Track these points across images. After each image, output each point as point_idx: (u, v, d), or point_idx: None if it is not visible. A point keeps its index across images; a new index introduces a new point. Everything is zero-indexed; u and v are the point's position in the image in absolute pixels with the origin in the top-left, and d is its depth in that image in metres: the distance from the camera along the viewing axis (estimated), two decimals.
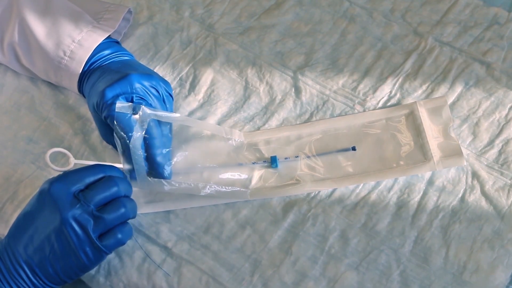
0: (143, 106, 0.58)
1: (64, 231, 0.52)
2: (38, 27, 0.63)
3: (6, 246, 0.54)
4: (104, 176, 0.55)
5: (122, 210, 0.55)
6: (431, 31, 0.69)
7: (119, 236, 0.55)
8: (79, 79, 0.63)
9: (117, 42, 0.66)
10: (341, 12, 0.71)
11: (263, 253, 0.59)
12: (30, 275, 0.53)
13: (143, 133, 0.58)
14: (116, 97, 0.58)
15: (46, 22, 0.63)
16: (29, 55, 0.64)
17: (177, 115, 0.61)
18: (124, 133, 0.57)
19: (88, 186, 0.54)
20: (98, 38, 0.63)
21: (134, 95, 0.58)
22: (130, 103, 0.58)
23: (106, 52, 0.63)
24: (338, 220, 0.60)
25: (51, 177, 0.55)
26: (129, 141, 0.57)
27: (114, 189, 0.55)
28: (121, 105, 0.57)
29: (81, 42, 0.62)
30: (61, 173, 0.55)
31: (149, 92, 0.60)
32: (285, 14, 0.72)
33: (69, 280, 0.55)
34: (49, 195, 0.53)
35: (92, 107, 0.60)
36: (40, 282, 0.53)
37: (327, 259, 0.58)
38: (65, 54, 0.62)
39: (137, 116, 0.58)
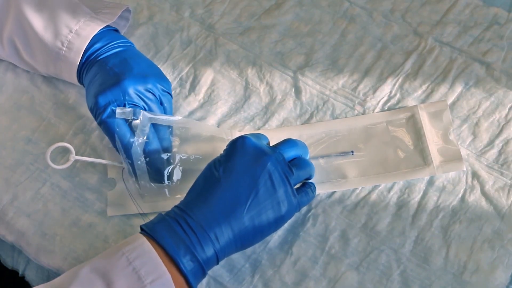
0: (143, 111, 0.58)
1: (272, 177, 0.53)
2: (36, 19, 0.62)
3: (198, 212, 0.51)
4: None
5: (308, 167, 0.57)
6: (431, 31, 0.69)
7: (309, 190, 0.57)
8: (79, 70, 0.63)
9: (116, 30, 0.65)
10: (341, 12, 0.71)
11: (263, 253, 0.59)
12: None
13: (144, 138, 0.58)
14: (108, 105, 0.58)
15: (44, 14, 0.63)
16: (28, 48, 0.64)
17: (177, 118, 0.61)
18: (125, 139, 0.57)
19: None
20: (96, 27, 0.62)
21: (127, 102, 0.58)
22: (130, 109, 0.58)
23: (104, 41, 0.62)
24: (338, 220, 0.60)
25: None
26: (130, 147, 0.57)
27: (299, 147, 0.57)
28: (121, 111, 0.57)
29: (78, 32, 0.62)
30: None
31: (143, 97, 0.59)
32: (285, 14, 0.72)
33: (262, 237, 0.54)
34: (251, 146, 0.54)
35: (89, 107, 0.60)
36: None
37: (327, 259, 0.58)
38: (63, 45, 0.62)
39: (137, 122, 0.57)
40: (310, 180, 0.59)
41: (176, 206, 0.53)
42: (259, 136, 0.58)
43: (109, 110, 0.58)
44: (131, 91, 0.59)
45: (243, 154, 0.54)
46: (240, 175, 0.53)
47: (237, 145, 0.54)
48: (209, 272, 0.58)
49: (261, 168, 0.53)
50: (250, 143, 0.54)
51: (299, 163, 0.57)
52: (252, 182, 0.52)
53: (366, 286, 0.57)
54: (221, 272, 0.58)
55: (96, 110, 0.59)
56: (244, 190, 0.52)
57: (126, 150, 0.58)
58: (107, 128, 0.58)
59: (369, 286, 0.57)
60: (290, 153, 0.56)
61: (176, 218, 0.51)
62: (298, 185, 0.58)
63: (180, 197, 0.59)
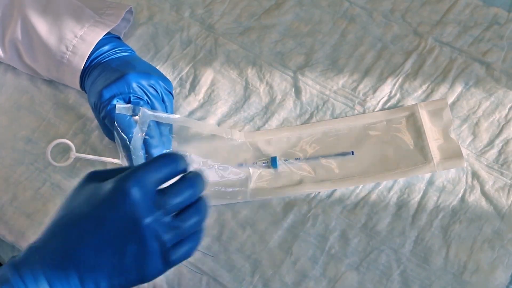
0: (143, 108, 0.58)
1: (140, 240, 0.44)
2: (40, 23, 0.63)
3: (43, 252, 0.44)
4: (179, 174, 0.47)
5: (200, 216, 0.47)
6: (431, 31, 0.69)
7: (188, 248, 0.47)
8: (81, 75, 0.63)
9: (118, 38, 0.66)
10: (341, 12, 0.71)
11: (263, 253, 0.59)
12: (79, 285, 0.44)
13: (143, 134, 0.58)
14: (113, 98, 0.58)
15: (48, 18, 0.63)
16: (31, 52, 0.64)
17: (177, 116, 0.61)
18: (125, 134, 0.57)
19: (165, 185, 0.46)
20: (100, 32, 0.63)
21: (132, 95, 0.59)
22: (130, 105, 0.58)
23: (107, 47, 0.63)
24: (338, 220, 0.60)
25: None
26: (130, 142, 0.57)
27: (194, 191, 0.47)
28: (121, 107, 0.57)
29: (83, 37, 0.62)
30: (130, 169, 0.45)
31: (147, 92, 0.60)
32: (285, 14, 0.72)
33: None
34: (127, 197, 0.43)
35: (92, 105, 0.60)
36: None
37: (327, 259, 0.58)
38: (67, 49, 0.62)
39: (137, 118, 0.58)
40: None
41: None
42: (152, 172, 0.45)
43: (114, 103, 0.58)
44: (135, 85, 0.59)
45: (113, 210, 0.44)
46: (107, 228, 0.44)
47: (114, 195, 0.44)
48: (209, 271, 0.58)
49: (130, 230, 0.44)
50: (129, 200, 0.44)
51: (190, 214, 0.46)
52: (119, 246, 0.44)
53: (366, 286, 0.57)
54: (221, 272, 0.58)
55: (100, 104, 0.59)
56: (109, 252, 0.44)
57: (127, 144, 0.58)
58: (112, 121, 0.58)
59: (369, 286, 0.57)
60: (180, 200, 0.46)
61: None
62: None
63: None
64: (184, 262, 0.58)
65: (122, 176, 0.45)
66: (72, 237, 0.44)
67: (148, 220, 0.44)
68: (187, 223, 0.46)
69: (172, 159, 0.47)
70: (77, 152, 0.64)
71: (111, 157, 0.63)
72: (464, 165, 0.61)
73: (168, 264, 0.46)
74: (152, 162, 0.46)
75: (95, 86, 0.60)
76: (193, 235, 0.47)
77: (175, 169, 0.47)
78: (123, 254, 0.44)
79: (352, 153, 0.63)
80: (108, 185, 0.45)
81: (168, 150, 0.60)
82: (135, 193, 0.44)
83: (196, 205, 0.47)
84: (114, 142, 0.62)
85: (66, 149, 0.62)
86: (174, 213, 0.46)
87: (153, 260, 0.45)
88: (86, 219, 0.44)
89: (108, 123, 0.59)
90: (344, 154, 0.63)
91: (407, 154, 0.62)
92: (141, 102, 0.59)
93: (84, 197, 0.45)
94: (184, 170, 0.47)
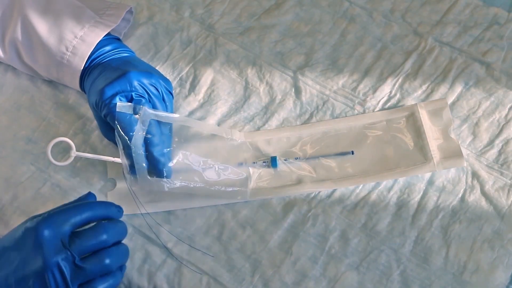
0: (144, 107, 0.58)
1: (44, 277, 0.49)
2: (40, 23, 0.63)
3: None
4: (95, 220, 0.53)
5: (107, 261, 0.52)
6: (431, 31, 0.69)
7: None
8: (81, 75, 0.63)
9: (118, 39, 0.66)
10: (341, 12, 0.71)
11: (263, 253, 0.59)
12: None
13: (144, 132, 0.58)
14: (115, 95, 0.58)
15: (48, 18, 0.63)
16: (31, 52, 0.64)
17: (177, 115, 0.61)
18: (125, 133, 0.57)
19: (78, 228, 0.52)
20: (100, 33, 0.63)
21: (133, 93, 0.59)
22: (131, 104, 0.58)
23: (108, 48, 0.63)
24: (338, 220, 0.60)
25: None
26: (130, 141, 0.57)
27: (103, 238, 0.52)
28: (121, 105, 0.57)
29: (83, 38, 0.62)
30: (46, 213, 0.52)
31: (148, 90, 0.60)
32: (285, 14, 0.72)
33: None
34: (36, 237, 0.50)
35: (92, 105, 0.60)
36: None
37: (327, 259, 0.58)
38: (67, 50, 0.62)
39: (137, 116, 0.58)
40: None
41: None
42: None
43: (116, 100, 0.58)
44: (136, 83, 0.59)
45: (24, 247, 0.50)
46: (18, 263, 0.50)
47: (26, 233, 0.51)
48: (209, 271, 0.58)
49: (37, 267, 0.50)
50: (37, 240, 0.50)
51: (96, 260, 0.52)
52: (28, 276, 0.50)
53: (366, 286, 0.57)
54: (221, 272, 0.58)
55: (102, 102, 0.58)
56: (19, 279, 0.50)
57: (128, 143, 0.58)
58: (114, 119, 0.58)
59: (369, 286, 0.57)
60: (88, 245, 0.52)
61: None
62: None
63: (178, 193, 0.59)
64: (184, 262, 0.58)
65: (37, 216, 0.51)
66: None
67: (53, 258, 0.50)
68: (92, 266, 0.51)
69: (90, 206, 0.53)
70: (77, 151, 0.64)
71: (111, 157, 0.63)
72: (464, 164, 0.61)
73: None
74: (70, 206, 0.52)
75: (96, 85, 0.60)
76: (104, 278, 0.52)
77: (92, 215, 0.53)
78: (32, 286, 0.49)
79: (352, 152, 0.63)
80: (23, 225, 0.51)
81: (168, 149, 0.60)
82: (44, 233, 0.50)
83: (107, 251, 0.52)
84: (113, 142, 0.62)
85: (66, 149, 0.63)
86: (84, 255, 0.51)
87: None
88: (2, 253, 0.51)
89: (110, 121, 0.59)
90: (344, 153, 0.63)
91: (407, 154, 0.62)
92: (143, 101, 0.59)
93: (7, 235, 0.52)
94: (105, 217, 0.54)
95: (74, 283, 0.51)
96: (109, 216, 0.55)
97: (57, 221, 0.51)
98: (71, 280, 0.50)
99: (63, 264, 0.50)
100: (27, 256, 0.50)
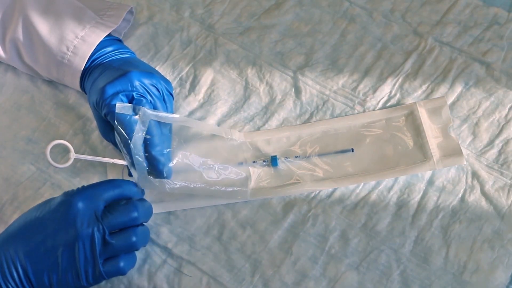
0: (143, 107, 0.58)
1: (74, 247, 0.51)
2: (41, 23, 0.63)
3: (2, 244, 0.52)
4: (125, 198, 0.54)
5: (133, 239, 0.53)
6: (431, 31, 0.69)
7: (122, 265, 0.53)
8: (81, 76, 0.63)
9: (119, 40, 0.66)
10: (341, 12, 0.71)
11: (263, 253, 0.59)
12: (24, 281, 0.51)
13: (144, 133, 0.58)
14: (116, 94, 0.58)
15: (49, 18, 0.63)
16: (31, 52, 0.64)
17: (176, 115, 0.61)
18: (125, 133, 0.57)
19: (110, 204, 0.54)
20: (101, 33, 0.63)
21: (134, 93, 0.59)
22: (131, 104, 0.58)
23: (108, 49, 0.63)
24: (338, 220, 0.60)
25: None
26: (130, 141, 0.57)
27: (134, 215, 0.54)
28: (121, 106, 0.57)
29: (84, 38, 0.62)
30: (81, 187, 0.54)
31: (149, 90, 0.60)
32: (285, 14, 0.72)
33: None
34: (70, 208, 0.52)
35: (93, 104, 0.60)
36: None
37: (327, 259, 0.58)
38: (68, 50, 0.62)
39: (137, 117, 0.58)
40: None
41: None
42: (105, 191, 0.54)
43: (117, 99, 0.58)
44: (137, 83, 0.59)
45: (58, 219, 0.52)
46: (50, 233, 0.52)
47: (61, 206, 0.52)
48: (209, 271, 0.58)
49: (69, 238, 0.51)
50: (72, 212, 0.52)
51: (124, 236, 0.53)
52: (59, 246, 0.51)
53: (366, 286, 0.57)
54: (221, 272, 0.58)
55: (103, 101, 0.58)
56: (50, 248, 0.51)
57: (128, 143, 0.58)
58: (114, 118, 0.58)
59: (369, 286, 0.57)
60: (119, 221, 0.53)
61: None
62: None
63: (178, 193, 0.59)
64: (184, 262, 0.58)
65: (70, 191, 0.53)
66: (20, 235, 0.52)
67: (85, 230, 0.51)
68: (120, 242, 0.53)
69: (120, 184, 0.55)
70: (76, 152, 0.64)
71: (111, 158, 0.63)
72: (464, 162, 0.61)
73: (100, 273, 0.52)
74: (102, 182, 0.55)
75: (97, 84, 0.60)
76: (127, 256, 0.54)
77: (122, 192, 0.55)
78: (60, 254, 0.51)
79: (352, 150, 0.63)
80: (58, 198, 0.53)
81: (168, 150, 0.60)
82: (79, 205, 0.52)
83: (135, 229, 0.54)
84: (112, 143, 0.62)
85: (66, 150, 0.62)
86: (114, 231, 0.53)
87: (85, 265, 0.52)
88: (34, 221, 0.52)
89: (110, 120, 0.59)
90: (344, 151, 0.63)
91: (406, 152, 0.62)
92: (144, 100, 0.59)
93: (40, 206, 0.54)
94: (133, 196, 0.55)
95: (101, 257, 0.52)
96: (135, 196, 0.56)
97: (92, 195, 0.53)
98: (99, 253, 0.52)
99: (96, 236, 0.51)
100: (59, 226, 0.52)
